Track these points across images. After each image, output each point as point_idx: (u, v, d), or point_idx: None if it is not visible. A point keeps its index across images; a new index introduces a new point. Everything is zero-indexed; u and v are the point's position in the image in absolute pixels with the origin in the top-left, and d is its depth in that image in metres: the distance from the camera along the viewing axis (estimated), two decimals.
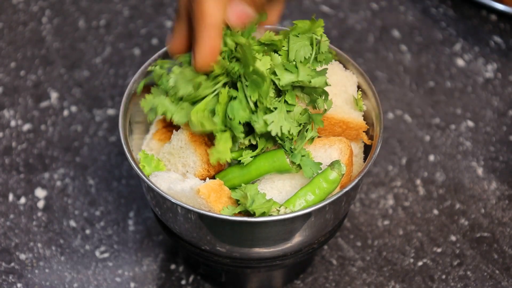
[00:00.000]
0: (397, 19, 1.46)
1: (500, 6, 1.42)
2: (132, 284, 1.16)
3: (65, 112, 1.33)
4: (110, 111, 1.33)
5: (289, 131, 0.99)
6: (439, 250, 1.19)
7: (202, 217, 0.99)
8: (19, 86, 1.36)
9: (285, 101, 1.01)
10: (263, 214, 0.97)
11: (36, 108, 1.33)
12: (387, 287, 1.16)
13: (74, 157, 1.28)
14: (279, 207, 0.98)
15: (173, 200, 0.98)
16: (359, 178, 1.01)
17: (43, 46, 1.41)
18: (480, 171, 1.27)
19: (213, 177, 1.02)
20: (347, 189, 1.00)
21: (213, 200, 0.99)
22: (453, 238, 1.21)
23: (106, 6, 1.47)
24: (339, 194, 0.99)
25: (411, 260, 1.19)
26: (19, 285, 1.16)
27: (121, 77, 1.37)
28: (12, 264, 1.18)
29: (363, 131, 1.07)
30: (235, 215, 0.98)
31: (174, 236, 1.07)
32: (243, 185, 1.01)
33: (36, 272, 1.17)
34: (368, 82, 1.08)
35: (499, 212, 1.23)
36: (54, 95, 1.35)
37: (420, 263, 1.18)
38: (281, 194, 1.02)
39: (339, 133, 1.06)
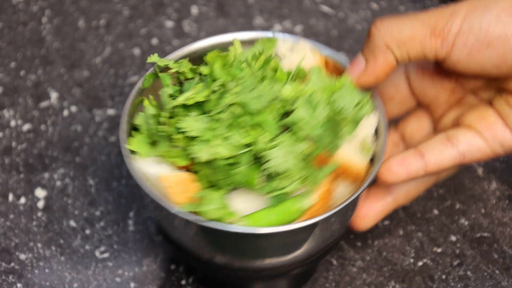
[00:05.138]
0: None
1: None
2: (132, 284, 1.16)
3: (65, 112, 1.33)
4: (110, 111, 1.33)
5: (289, 169, 0.96)
6: (439, 250, 1.19)
7: (200, 227, 0.97)
8: (19, 86, 1.36)
9: (294, 133, 0.97)
10: (216, 220, 0.95)
11: (36, 108, 1.33)
12: (387, 287, 1.16)
13: (74, 157, 1.28)
14: (239, 218, 0.96)
15: (169, 209, 0.96)
16: (346, 204, 0.97)
17: (43, 46, 1.41)
18: (480, 171, 1.27)
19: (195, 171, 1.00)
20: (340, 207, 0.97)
21: (176, 192, 0.97)
22: (453, 238, 1.21)
23: (106, 6, 1.47)
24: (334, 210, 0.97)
25: (411, 260, 1.18)
26: (19, 285, 1.16)
27: (121, 77, 1.37)
28: (12, 264, 1.18)
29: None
30: (230, 224, 0.96)
31: (173, 243, 1.06)
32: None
33: (36, 272, 1.17)
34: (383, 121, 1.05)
35: (499, 212, 1.23)
36: (54, 95, 1.35)
37: (420, 263, 1.18)
38: (248, 210, 0.99)
39: (338, 173, 1.01)
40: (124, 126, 1.03)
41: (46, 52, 1.40)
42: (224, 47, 1.09)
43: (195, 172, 0.99)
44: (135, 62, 1.39)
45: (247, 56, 1.03)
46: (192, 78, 1.03)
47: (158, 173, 0.98)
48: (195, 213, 0.96)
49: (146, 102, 1.03)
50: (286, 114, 0.99)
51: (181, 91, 1.02)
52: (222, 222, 0.95)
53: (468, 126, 1.06)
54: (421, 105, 1.14)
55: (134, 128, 1.05)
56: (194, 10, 1.47)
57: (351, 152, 1.01)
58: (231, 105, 0.97)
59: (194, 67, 1.04)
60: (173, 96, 1.02)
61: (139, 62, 1.39)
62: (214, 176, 0.97)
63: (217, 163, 0.96)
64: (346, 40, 1.43)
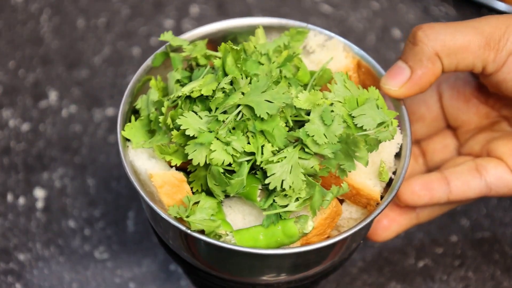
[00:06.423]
0: (398, 18, 1.46)
1: (501, 6, 1.42)
2: (131, 285, 1.16)
3: (64, 112, 1.33)
4: (109, 111, 1.33)
5: (290, 186, 0.85)
6: (440, 250, 1.19)
7: (204, 243, 0.89)
8: (18, 86, 1.36)
9: (302, 148, 0.86)
10: (202, 233, 0.86)
11: (35, 108, 1.33)
12: None
13: (73, 157, 1.27)
14: (228, 232, 0.87)
15: (167, 219, 0.88)
16: (351, 232, 0.88)
17: (42, 45, 1.41)
18: None
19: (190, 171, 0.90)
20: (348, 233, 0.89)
21: (166, 192, 0.88)
22: (454, 238, 1.20)
23: (105, 5, 1.46)
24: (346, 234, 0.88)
25: (412, 261, 1.18)
26: (18, 285, 1.16)
27: (120, 76, 1.37)
28: (11, 264, 1.17)
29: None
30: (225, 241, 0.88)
31: (171, 252, 1.01)
32: (204, 194, 0.89)
33: (35, 273, 1.17)
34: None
35: (500, 212, 1.23)
36: (53, 94, 1.35)
37: (421, 264, 1.18)
38: (245, 220, 0.90)
39: (348, 196, 0.92)
40: (123, 107, 0.93)
41: (45, 52, 1.40)
42: (250, 30, 0.97)
43: (190, 172, 0.90)
44: (134, 61, 1.39)
45: (268, 48, 0.92)
46: (204, 66, 0.93)
47: (149, 170, 0.89)
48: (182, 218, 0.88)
49: (152, 82, 0.94)
50: (299, 124, 0.89)
51: (190, 79, 0.92)
52: (209, 233, 0.87)
53: (499, 158, 0.99)
54: (450, 126, 1.07)
55: (135, 111, 0.95)
56: (194, 9, 1.47)
57: (365, 176, 0.91)
58: (238, 106, 0.87)
59: (209, 53, 0.93)
60: (180, 82, 0.92)
61: (138, 61, 1.39)
62: (209, 181, 0.87)
63: (214, 168, 0.86)
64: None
